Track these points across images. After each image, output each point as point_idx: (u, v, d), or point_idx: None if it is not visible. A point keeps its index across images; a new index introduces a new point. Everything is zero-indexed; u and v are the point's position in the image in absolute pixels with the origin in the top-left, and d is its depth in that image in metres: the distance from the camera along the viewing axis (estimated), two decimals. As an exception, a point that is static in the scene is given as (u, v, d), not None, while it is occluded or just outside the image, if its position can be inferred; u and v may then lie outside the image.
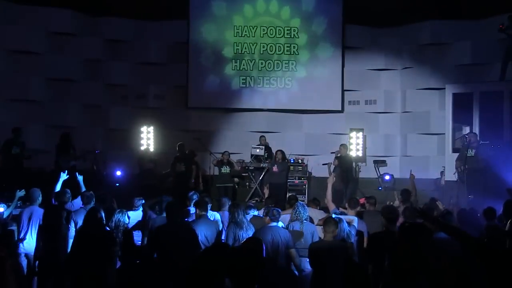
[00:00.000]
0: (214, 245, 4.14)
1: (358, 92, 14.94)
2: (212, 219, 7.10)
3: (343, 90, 14.74)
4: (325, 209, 8.85)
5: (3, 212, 7.24)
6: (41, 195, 7.39)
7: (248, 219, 6.88)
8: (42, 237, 6.37)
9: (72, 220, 6.99)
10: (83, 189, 7.80)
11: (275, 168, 12.19)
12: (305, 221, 6.71)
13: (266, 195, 8.93)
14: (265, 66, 14.66)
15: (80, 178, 7.93)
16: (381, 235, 5.75)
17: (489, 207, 6.86)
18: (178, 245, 5.50)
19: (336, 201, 9.33)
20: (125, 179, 11.60)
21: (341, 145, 12.81)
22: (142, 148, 14.02)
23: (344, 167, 12.16)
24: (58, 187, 7.74)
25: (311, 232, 6.52)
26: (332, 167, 12.04)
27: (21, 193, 7.55)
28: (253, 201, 10.99)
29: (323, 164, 12.69)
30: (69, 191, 7.83)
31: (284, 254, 6.10)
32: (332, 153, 12.90)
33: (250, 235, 6.20)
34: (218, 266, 3.61)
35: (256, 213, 7.47)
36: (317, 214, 7.60)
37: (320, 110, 14.78)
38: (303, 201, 10.91)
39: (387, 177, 13.05)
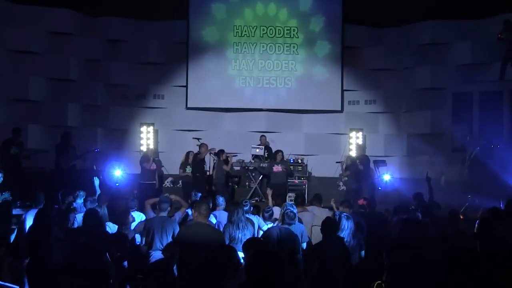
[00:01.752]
0: (218, 247, 4.13)
1: (357, 92, 14.94)
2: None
3: (342, 90, 14.75)
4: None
5: None
6: (44, 199, 7.43)
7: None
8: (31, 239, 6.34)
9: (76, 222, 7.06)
10: (98, 192, 7.80)
11: (279, 168, 12.15)
12: (295, 222, 6.63)
13: (270, 197, 8.89)
14: (264, 66, 14.66)
15: (96, 181, 7.91)
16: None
17: None
18: (201, 245, 5.46)
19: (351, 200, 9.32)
20: (125, 179, 11.57)
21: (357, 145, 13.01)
22: (143, 147, 14.01)
23: (356, 167, 12.06)
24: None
25: (301, 232, 6.46)
26: (344, 165, 12.05)
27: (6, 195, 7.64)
28: (252, 201, 10.95)
29: (336, 162, 12.72)
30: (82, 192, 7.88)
31: (288, 255, 6.05)
32: (337, 162, 12.92)
33: (247, 235, 6.18)
34: (221, 267, 3.61)
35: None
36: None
37: (319, 110, 14.78)
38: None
39: (386, 177, 13.02)
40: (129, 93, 14.83)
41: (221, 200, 7.57)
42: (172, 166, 12.80)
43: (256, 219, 7.08)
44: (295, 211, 6.47)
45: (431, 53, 14.27)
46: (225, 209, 7.49)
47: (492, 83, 12.57)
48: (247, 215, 6.97)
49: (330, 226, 5.96)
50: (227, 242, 6.18)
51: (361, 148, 12.72)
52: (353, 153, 13.60)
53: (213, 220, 7.14)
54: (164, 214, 6.58)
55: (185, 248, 5.50)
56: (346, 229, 6.08)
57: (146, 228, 6.42)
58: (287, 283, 4.59)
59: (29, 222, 7.03)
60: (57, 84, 13.88)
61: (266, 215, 7.23)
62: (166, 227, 6.23)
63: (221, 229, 6.50)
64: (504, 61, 12.23)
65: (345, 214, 6.39)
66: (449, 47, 14.10)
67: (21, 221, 7.22)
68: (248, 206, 7.35)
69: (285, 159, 12.60)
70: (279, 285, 3.36)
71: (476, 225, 4.57)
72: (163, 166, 12.25)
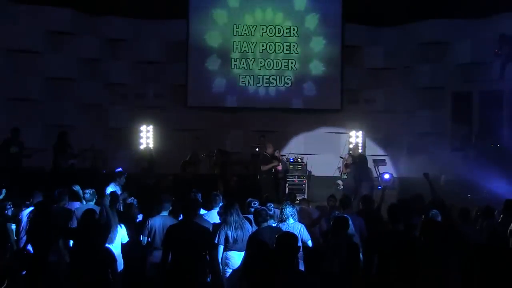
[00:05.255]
0: None
1: (357, 91, 14.93)
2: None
3: (342, 89, 14.72)
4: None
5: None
6: (41, 197, 7.41)
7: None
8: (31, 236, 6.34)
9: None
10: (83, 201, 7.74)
11: (281, 167, 12.14)
12: (293, 221, 6.58)
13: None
14: (264, 65, 14.65)
15: (77, 188, 7.82)
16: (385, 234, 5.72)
17: None
18: (190, 245, 5.47)
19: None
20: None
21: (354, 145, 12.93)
22: (141, 147, 14.00)
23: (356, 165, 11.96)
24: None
25: (299, 232, 6.41)
26: (345, 162, 12.05)
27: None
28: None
29: (340, 157, 12.70)
30: (66, 191, 7.84)
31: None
32: (341, 157, 12.91)
33: (241, 235, 6.17)
34: None
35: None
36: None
37: (319, 109, 14.77)
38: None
39: (386, 176, 13.00)
40: (128, 92, 14.82)
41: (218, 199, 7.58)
42: (171, 165, 12.78)
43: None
44: (288, 210, 6.49)
45: (431, 52, 14.26)
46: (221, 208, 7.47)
47: (492, 83, 12.57)
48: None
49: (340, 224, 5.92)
50: (222, 242, 6.18)
51: (357, 147, 12.67)
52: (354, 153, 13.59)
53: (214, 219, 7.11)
54: (166, 213, 6.60)
55: (174, 247, 5.53)
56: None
57: (148, 227, 6.45)
58: (287, 283, 4.56)
59: (25, 220, 7.07)
60: (57, 83, 13.87)
61: (270, 213, 7.17)
62: (166, 226, 6.24)
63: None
64: (504, 62, 12.23)
65: (339, 214, 6.37)
66: (449, 46, 14.09)
67: (17, 220, 7.22)
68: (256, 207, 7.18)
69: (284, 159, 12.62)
70: (277, 285, 3.36)
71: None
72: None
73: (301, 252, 6.18)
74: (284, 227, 6.34)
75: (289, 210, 6.53)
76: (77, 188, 7.73)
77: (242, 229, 6.24)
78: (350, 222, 6.06)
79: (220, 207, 7.33)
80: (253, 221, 6.64)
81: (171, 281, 5.48)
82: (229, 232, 6.20)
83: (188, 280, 5.34)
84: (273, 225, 6.40)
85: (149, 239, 6.45)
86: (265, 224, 6.10)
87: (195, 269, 5.41)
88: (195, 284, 5.34)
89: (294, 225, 6.42)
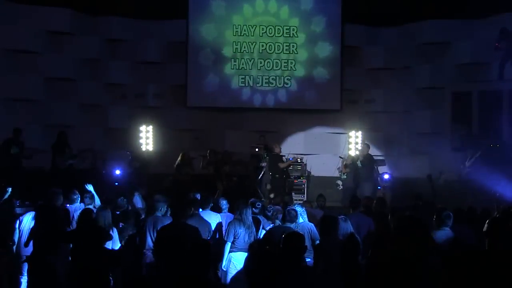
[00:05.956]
0: None
1: (357, 91, 14.92)
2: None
3: (342, 89, 14.72)
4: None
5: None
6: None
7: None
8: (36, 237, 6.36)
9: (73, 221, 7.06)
10: (98, 201, 7.71)
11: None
12: (302, 220, 6.63)
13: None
14: (264, 65, 14.64)
15: (90, 187, 7.83)
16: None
17: None
18: (180, 246, 5.49)
19: (346, 199, 9.36)
20: (124, 178, 11.58)
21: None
22: (139, 147, 14.00)
23: (355, 166, 11.90)
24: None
25: (308, 231, 6.45)
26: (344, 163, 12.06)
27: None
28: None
29: (340, 157, 12.79)
30: (77, 192, 7.83)
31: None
32: (340, 157, 12.93)
33: (251, 235, 6.30)
34: None
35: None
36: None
37: (319, 109, 14.77)
38: (301, 200, 10.93)
39: (386, 177, 13.00)
40: (128, 92, 14.83)
41: (224, 203, 7.60)
42: (171, 165, 12.79)
43: (261, 220, 7.07)
44: (297, 209, 6.50)
45: (430, 52, 14.25)
46: (231, 210, 7.49)
47: (491, 83, 12.58)
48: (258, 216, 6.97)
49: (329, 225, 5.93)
50: (231, 239, 6.25)
51: (366, 147, 12.57)
52: (352, 152, 13.58)
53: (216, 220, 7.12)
54: (159, 213, 6.61)
55: (165, 247, 5.55)
56: (343, 231, 6.08)
57: (141, 227, 6.49)
58: (293, 283, 4.57)
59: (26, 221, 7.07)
60: (56, 83, 13.86)
61: (269, 214, 7.23)
62: (157, 226, 6.25)
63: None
64: (503, 60, 12.24)
65: (343, 216, 6.39)
66: (448, 46, 14.09)
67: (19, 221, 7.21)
68: (259, 209, 7.22)
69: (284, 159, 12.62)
70: (280, 285, 3.36)
71: (486, 223, 4.57)
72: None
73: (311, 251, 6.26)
74: (293, 226, 6.41)
75: (297, 210, 6.61)
76: (90, 188, 7.76)
77: (252, 229, 6.38)
78: (343, 222, 6.10)
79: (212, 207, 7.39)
80: (262, 221, 6.77)
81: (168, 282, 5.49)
82: (240, 230, 6.28)
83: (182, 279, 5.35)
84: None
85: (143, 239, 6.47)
86: (288, 224, 6.16)
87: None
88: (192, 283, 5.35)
89: (303, 224, 6.51)
